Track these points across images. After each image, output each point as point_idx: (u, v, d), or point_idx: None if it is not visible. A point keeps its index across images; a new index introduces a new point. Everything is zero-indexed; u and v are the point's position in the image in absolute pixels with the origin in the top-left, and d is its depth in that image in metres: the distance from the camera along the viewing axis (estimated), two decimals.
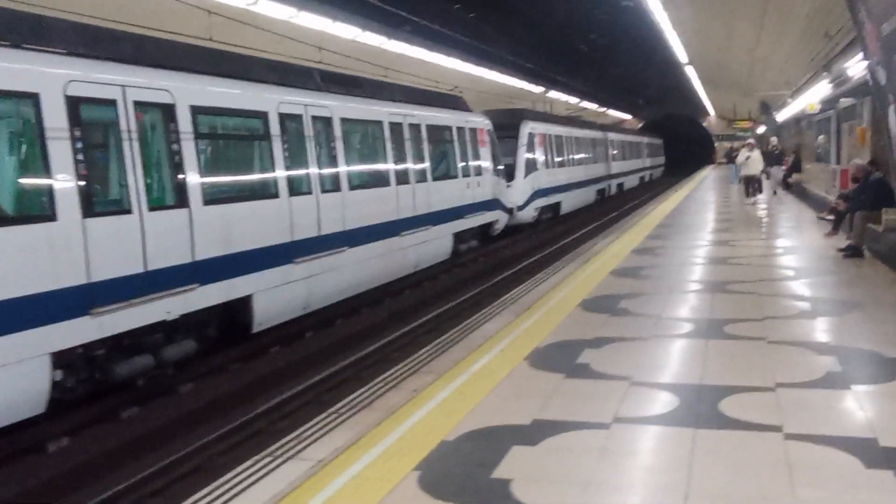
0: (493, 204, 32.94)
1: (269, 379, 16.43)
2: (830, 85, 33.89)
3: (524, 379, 10.71)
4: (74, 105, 13.04)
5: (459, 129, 29.93)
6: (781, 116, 60.15)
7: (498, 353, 12.10)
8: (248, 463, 8.14)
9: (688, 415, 9.06)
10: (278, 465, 7.99)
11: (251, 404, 14.73)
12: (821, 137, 45.17)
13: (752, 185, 40.93)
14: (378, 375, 11.98)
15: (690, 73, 57.86)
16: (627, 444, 8.29)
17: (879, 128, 21.50)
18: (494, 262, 31.42)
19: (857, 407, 9.23)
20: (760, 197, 41.42)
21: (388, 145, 23.87)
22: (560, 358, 11.64)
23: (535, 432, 8.58)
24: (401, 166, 24.47)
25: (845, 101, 34.51)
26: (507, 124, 38.27)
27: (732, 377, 10.44)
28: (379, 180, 23.27)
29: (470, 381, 10.69)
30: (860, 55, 21.71)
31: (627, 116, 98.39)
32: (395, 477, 7.55)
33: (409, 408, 9.59)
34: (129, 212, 13.93)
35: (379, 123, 23.62)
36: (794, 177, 47.15)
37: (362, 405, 9.84)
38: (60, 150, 12.72)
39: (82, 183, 12.99)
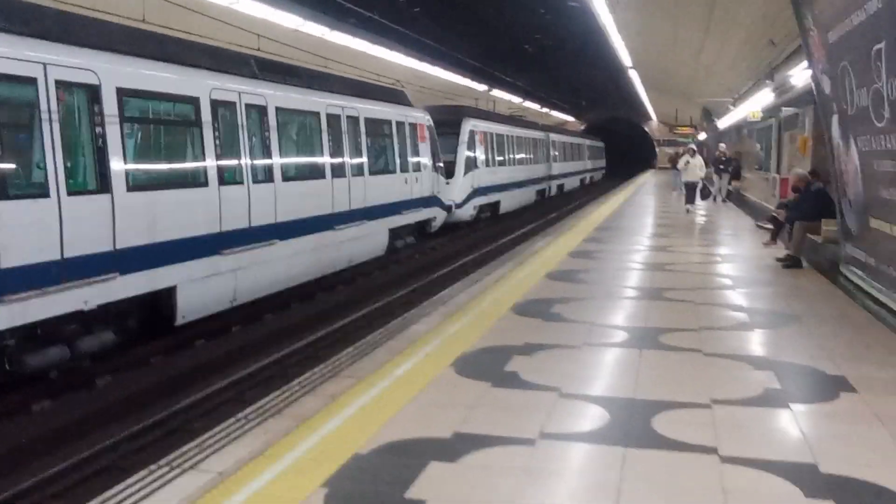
0: (431, 201, 32.43)
1: (191, 374, 15.77)
2: (773, 93, 33.69)
3: (449, 387, 10.10)
4: None
5: (399, 123, 29.33)
6: (723, 123, 60.08)
7: (423, 358, 11.49)
8: (143, 473, 7.46)
9: (618, 432, 8.50)
10: (175, 477, 7.31)
11: (169, 400, 14.08)
12: (756, 146, 45.08)
13: (692, 192, 39.38)
14: (304, 372, 11.43)
15: (634, 77, 57.67)
16: (553, 464, 7.71)
17: (821, 137, 21.18)
18: (430, 259, 30.99)
19: (797, 428, 8.74)
20: (700, 203, 40.33)
21: (325, 137, 23.22)
22: (488, 365, 11.04)
23: (456, 447, 7.98)
24: (337, 159, 23.81)
25: (787, 110, 34.32)
26: (448, 121, 37.80)
27: (666, 391, 9.90)
28: (314, 172, 22.61)
29: (392, 387, 10.06)
30: (804, 64, 21.42)
31: (570, 118, 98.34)
32: (300, 495, 6.90)
33: (323, 415, 8.92)
34: (45, 195, 13.20)
35: (316, 114, 22.97)
36: (734, 184, 47.02)
37: (273, 411, 9.19)
38: None
39: None
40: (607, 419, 8.91)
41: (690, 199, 38.71)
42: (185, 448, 8.11)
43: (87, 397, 14.26)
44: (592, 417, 8.98)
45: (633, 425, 8.69)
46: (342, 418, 8.84)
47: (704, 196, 40.33)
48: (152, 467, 7.55)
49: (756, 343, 12.74)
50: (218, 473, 7.34)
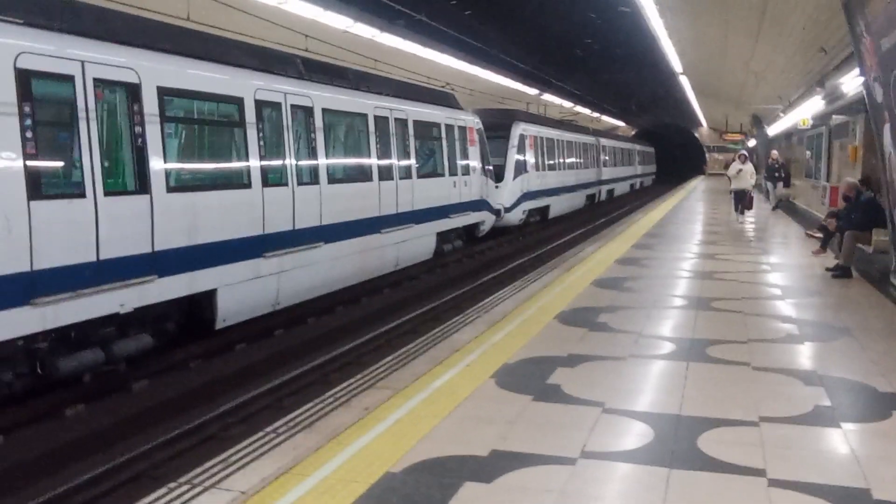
0: (479, 204, 32.05)
1: (230, 379, 15.43)
2: (824, 101, 33.10)
3: (488, 400, 9.69)
4: (25, 78, 12.01)
5: (448, 126, 29.00)
6: (773, 130, 59.34)
7: (464, 368, 11.10)
8: (162, 491, 7.07)
9: (663, 451, 8.06)
10: (194, 497, 6.91)
11: (207, 406, 13.71)
12: (806, 154, 44.36)
13: (742, 200, 37.02)
14: (345, 380, 11.04)
15: (684, 82, 57.05)
16: (593, 486, 7.27)
17: (872, 146, 20.65)
18: (478, 264, 30.63)
19: (848, 449, 8.27)
20: (750, 213, 38.66)
21: (372, 139, 22.89)
22: (530, 377, 10.65)
23: (493, 466, 7.55)
24: (384, 161, 23.48)
25: (838, 118, 33.74)
26: (498, 124, 37.56)
27: (713, 408, 9.44)
28: (360, 175, 22.28)
29: (429, 400, 9.65)
30: (855, 71, 20.92)
31: (621, 123, 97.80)
32: None
33: (355, 430, 8.49)
34: (82, 196, 12.87)
35: (363, 116, 22.63)
36: (784, 191, 46.26)
37: (304, 424, 8.78)
38: (7, 126, 11.71)
39: (30, 163, 11.96)
40: (652, 437, 8.48)
41: (737, 208, 37.07)
42: (208, 464, 7.71)
43: (123, 402, 13.91)
44: (636, 435, 8.56)
45: (679, 444, 8.26)
46: (375, 433, 8.42)
47: (748, 207, 37.80)
48: (172, 485, 7.16)
49: (806, 357, 12.24)
50: (241, 492, 6.94)
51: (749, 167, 37.46)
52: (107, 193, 13.31)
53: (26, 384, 12.92)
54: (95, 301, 13.10)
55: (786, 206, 44.57)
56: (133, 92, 14.12)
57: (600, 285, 18.08)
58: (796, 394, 10.15)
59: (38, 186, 12.11)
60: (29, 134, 11.95)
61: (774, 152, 48.83)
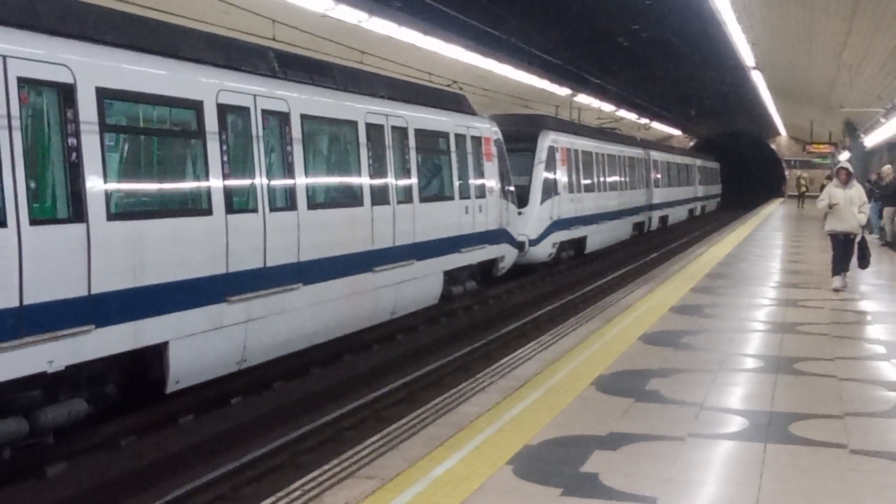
0: (498, 235, 32.12)
1: (176, 459, 15.42)
2: None
3: (504, 495, 9.72)
4: None
5: (459, 136, 29.12)
6: (871, 140, 59.38)
7: (472, 452, 11.14)
8: None
9: None
10: None
11: (141, 496, 13.80)
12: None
13: (845, 250, 26.54)
14: (319, 466, 11.09)
15: (757, 79, 57.20)
16: None
17: None
18: (494, 312, 30.82)
19: None
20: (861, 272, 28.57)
21: (364, 152, 22.93)
22: (559, 463, 10.71)
23: None
24: (378, 181, 23.54)
25: None
26: (521, 134, 37.71)
27: None
28: (349, 198, 22.42)
29: (425, 494, 9.66)
30: None
31: (676, 132, 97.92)
32: None
33: None
34: (2, 224, 12.90)
35: (353, 124, 22.69)
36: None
37: None
38: None
39: None
40: None
41: (840, 265, 26.59)
42: None
43: (39, 487, 13.92)
44: None
45: None
46: None
47: (863, 261, 27.31)
48: None
49: None
50: None
51: (857, 191, 26.59)
52: (32, 222, 13.35)
53: None
54: (16, 357, 13.08)
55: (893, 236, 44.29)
56: (68, 94, 14.12)
57: (651, 341, 18.18)
58: None
59: None
60: None
61: (887, 167, 46.09)
